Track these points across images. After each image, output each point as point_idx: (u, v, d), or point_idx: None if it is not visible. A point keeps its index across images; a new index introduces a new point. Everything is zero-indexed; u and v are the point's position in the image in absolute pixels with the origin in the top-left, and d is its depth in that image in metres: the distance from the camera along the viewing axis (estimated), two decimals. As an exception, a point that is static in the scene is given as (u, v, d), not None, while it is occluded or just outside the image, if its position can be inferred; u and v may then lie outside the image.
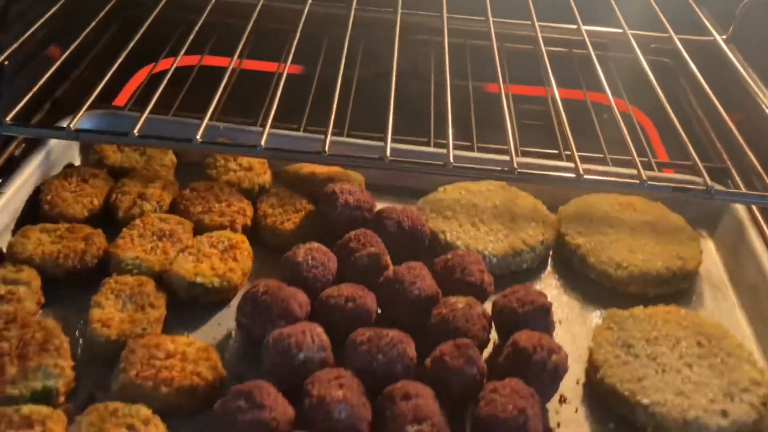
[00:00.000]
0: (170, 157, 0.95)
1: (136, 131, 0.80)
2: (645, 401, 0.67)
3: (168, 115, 1.01)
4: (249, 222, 0.86)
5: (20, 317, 0.71)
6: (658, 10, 1.12)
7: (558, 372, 0.68)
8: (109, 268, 0.78)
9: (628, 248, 0.85)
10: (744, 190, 0.96)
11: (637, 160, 0.82)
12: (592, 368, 0.72)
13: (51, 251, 0.77)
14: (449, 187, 0.93)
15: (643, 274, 0.82)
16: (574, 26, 1.08)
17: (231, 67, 0.92)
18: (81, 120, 0.87)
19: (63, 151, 0.94)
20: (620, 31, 1.08)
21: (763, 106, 0.96)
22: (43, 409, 0.62)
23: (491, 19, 1.05)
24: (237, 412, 0.61)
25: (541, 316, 0.72)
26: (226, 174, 0.92)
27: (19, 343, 0.67)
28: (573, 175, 0.81)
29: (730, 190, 0.96)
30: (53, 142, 0.93)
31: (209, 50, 1.15)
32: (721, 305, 0.84)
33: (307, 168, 0.94)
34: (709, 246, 0.92)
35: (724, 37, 1.14)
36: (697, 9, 1.15)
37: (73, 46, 0.93)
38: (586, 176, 0.80)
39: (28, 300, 0.73)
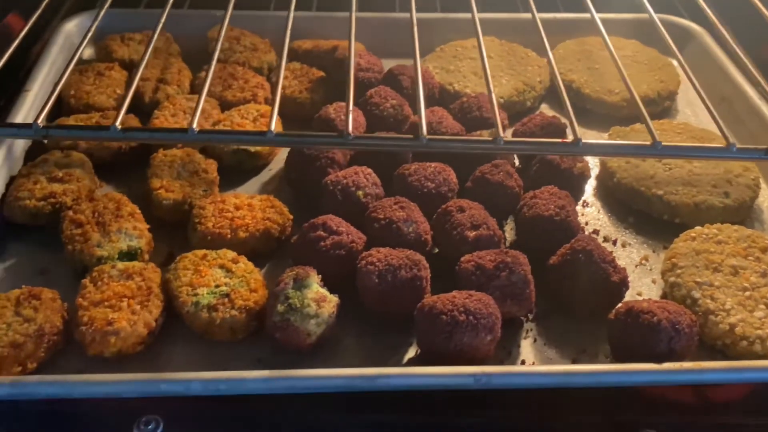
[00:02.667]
0: (175, 47, 0.98)
1: (118, 123, 0.66)
2: (659, 192, 0.77)
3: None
4: (269, 94, 0.91)
5: (85, 193, 0.75)
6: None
7: (584, 176, 0.78)
8: (150, 148, 0.82)
9: (616, 78, 0.94)
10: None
11: None
12: (607, 174, 0.82)
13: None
14: (446, 46, 1.00)
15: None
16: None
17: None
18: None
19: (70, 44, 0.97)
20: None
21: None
22: (137, 263, 0.68)
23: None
24: (318, 240, 0.68)
25: (558, 134, 0.81)
26: (233, 56, 0.96)
27: (94, 214, 0.72)
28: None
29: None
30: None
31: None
32: (700, 115, 0.95)
33: (308, 43, 0.99)
34: (680, 70, 1.02)
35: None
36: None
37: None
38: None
39: (86, 179, 0.77)
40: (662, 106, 0.94)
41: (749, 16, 0.94)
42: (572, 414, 0.68)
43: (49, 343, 0.62)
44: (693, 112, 0.96)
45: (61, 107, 0.88)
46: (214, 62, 0.76)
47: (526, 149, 0.76)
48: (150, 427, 0.66)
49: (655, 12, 0.92)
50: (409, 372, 0.61)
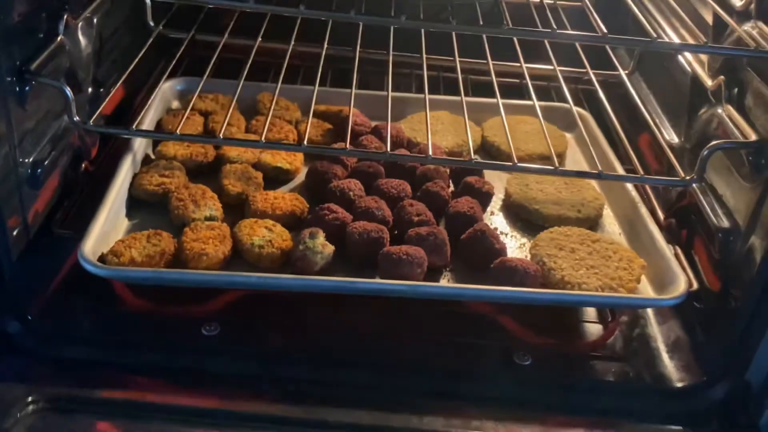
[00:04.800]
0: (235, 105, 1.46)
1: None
2: (537, 207, 1.24)
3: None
4: (296, 136, 1.39)
5: (183, 184, 1.22)
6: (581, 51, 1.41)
7: (489, 193, 1.25)
8: (221, 162, 1.29)
9: (523, 141, 1.42)
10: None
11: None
12: (507, 194, 1.29)
13: (185, 153, 1.28)
14: (414, 115, 1.48)
15: (533, 153, 1.39)
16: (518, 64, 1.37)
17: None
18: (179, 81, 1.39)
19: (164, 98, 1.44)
20: (551, 67, 1.36)
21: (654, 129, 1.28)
22: (216, 222, 1.14)
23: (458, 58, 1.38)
24: (324, 215, 1.13)
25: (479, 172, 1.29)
26: (274, 111, 1.44)
27: (189, 195, 1.17)
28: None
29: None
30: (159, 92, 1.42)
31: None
32: (581, 165, 1.42)
33: (323, 106, 1.47)
34: (569, 139, 1.49)
35: (627, 72, 1.44)
36: (609, 50, 1.43)
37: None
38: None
39: (183, 177, 1.23)
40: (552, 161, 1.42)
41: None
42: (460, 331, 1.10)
43: (167, 259, 1.07)
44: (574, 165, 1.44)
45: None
46: (269, 116, 1.23)
47: (442, 162, 1.24)
48: (211, 327, 1.10)
49: (559, 101, 1.42)
50: (374, 281, 1.06)
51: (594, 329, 1.16)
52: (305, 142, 1.13)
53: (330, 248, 1.08)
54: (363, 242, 1.09)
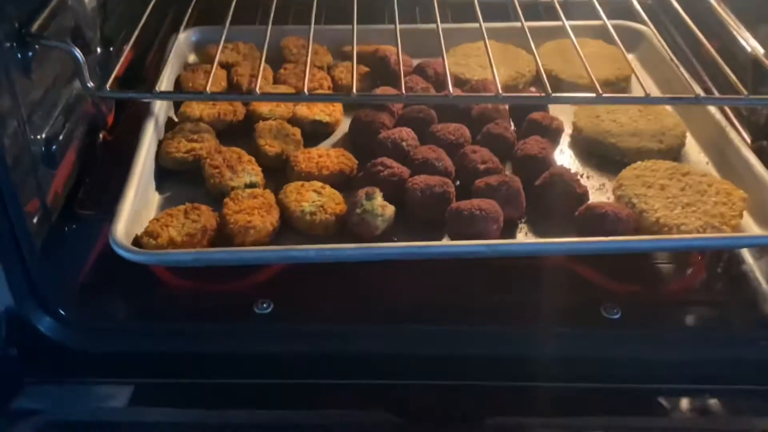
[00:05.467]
0: (258, 53, 1.31)
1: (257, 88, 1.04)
2: (613, 141, 1.10)
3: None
4: (330, 84, 1.24)
5: (214, 148, 1.08)
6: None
7: (559, 130, 1.11)
8: (251, 121, 1.15)
9: (583, 67, 1.27)
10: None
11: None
12: (576, 130, 1.15)
13: (212, 113, 1.14)
14: (457, 48, 1.33)
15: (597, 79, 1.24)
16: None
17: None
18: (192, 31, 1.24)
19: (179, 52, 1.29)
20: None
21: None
22: (258, 189, 1.01)
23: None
24: (378, 172, 1.00)
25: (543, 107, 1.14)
26: (301, 58, 1.29)
27: (224, 161, 1.04)
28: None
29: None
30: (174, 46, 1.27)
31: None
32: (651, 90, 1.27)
33: (357, 48, 1.32)
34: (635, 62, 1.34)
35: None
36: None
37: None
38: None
39: (213, 141, 1.10)
40: (620, 87, 1.27)
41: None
42: (541, 290, 0.98)
43: (209, 236, 0.94)
44: (640, 92, 1.29)
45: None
46: (306, 64, 1.07)
47: (515, 100, 1.09)
48: (265, 305, 0.98)
49: (618, 18, 1.25)
50: (446, 244, 0.93)
51: (675, 271, 1.04)
52: (354, 91, 0.98)
53: (390, 209, 0.96)
54: (426, 199, 0.97)
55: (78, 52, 0.90)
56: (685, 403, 0.92)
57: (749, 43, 1.14)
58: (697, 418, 0.91)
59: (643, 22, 1.35)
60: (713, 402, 0.92)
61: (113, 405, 0.93)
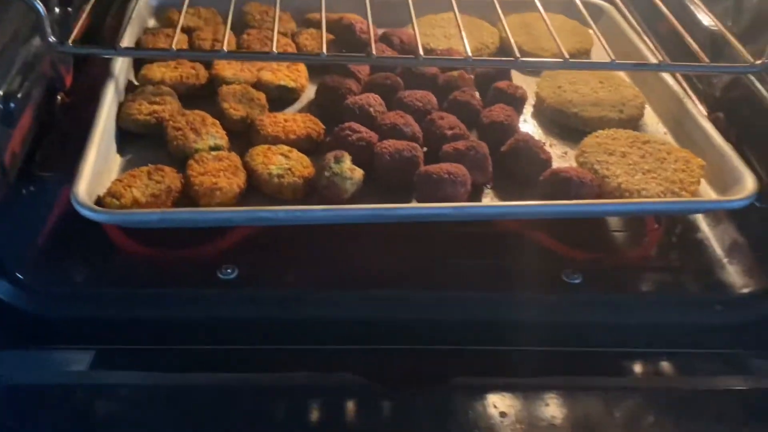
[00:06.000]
0: (219, 18, 1.29)
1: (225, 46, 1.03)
2: (576, 110, 1.12)
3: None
4: (295, 50, 1.23)
5: (177, 111, 1.06)
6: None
7: (523, 99, 1.12)
8: (215, 85, 1.13)
9: (547, 39, 1.28)
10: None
11: None
12: (539, 100, 1.16)
13: (173, 76, 1.12)
14: (422, 18, 1.33)
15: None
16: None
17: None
18: None
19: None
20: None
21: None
22: (224, 152, 0.99)
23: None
24: (347, 136, 1.00)
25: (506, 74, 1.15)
26: (264, 24, 1.28)
27: (187, 123, 1.02)
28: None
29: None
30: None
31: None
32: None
33: (317, 15, 1.31)
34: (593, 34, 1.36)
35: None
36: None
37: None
38: None
39: (176, 103, 1.07)
40: (581, 59, 1.29)
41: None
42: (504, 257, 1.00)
43: (174, 197, 0.92)
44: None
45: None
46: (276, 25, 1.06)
47: (485, 63, 1.10)
48: (229, 270, 0.98)
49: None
50: (416, 206, 0.94)
51: (634, 238, 1.07)
52: (324, 50, 0.98)
53: (359, 172, 0.95)
54: (395, 163, 0.97)
55: (40, 5, 0.87)
56: (642, 364, 0.94)
57: (708, 16, 1.17)
58: (653, 379, 0.93)
59: (604, -2, 1.38)
60: (668, 364, 0.94)
61: (72, 369, 0.91)
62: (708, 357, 0.95)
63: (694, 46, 1.04)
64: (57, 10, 1.09)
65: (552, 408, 0.85)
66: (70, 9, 1.13)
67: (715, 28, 1.13)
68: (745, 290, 1.00)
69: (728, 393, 0.91)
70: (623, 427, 0.87)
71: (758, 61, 0.98)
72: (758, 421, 0.88)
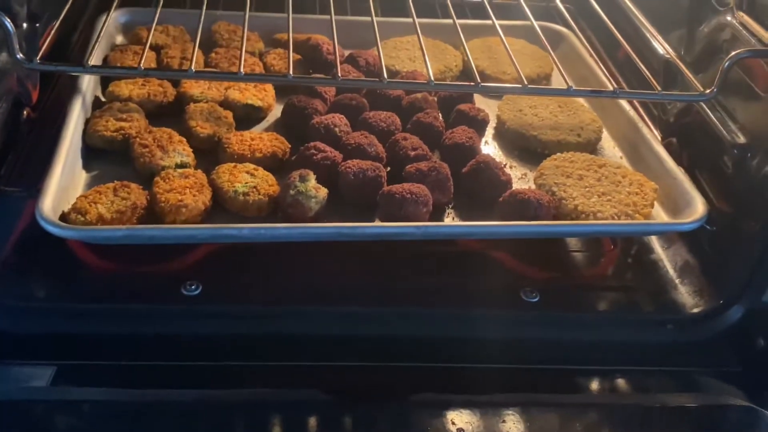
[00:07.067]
0: (188, 36, 1.30)
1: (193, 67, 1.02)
2: (535, 133, 1.15)
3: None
4: (262, 70, 1.25)
5: (144, 128, 1.07)
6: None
7: (485, 121, 1.15)
8: (183, 103, 1.14)
9: (508, 64, 1.31)
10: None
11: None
12: (500, 123, 1.19)
13: (141, 93, 1.13)
14: (388, 41, 1.36)
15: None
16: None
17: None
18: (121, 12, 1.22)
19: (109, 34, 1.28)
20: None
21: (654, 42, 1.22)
22: (190, 169, 1.01)
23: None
24: (312, 155, 1.02)
25: (469, 96, 1.18)
26: (233, 43, 1.29)
27: (154, 140, 1.03)
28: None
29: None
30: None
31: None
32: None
33: (285, 35, 1.33)
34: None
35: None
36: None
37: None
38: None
39: (143, 120, 1.09)
40: (540, 84, 1.33)
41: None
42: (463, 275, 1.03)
43: (139, 214, 0.93)
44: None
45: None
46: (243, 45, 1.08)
47: (447, 88, 1.13)
48: (193, 287, 0.98)
49: (538, 20, 1.31)
50: (379, 225, 0.96)
51: (590, 259, 1.10)
52: (290, 72, 1.00)
53: (323, 191, 0.97)
54: (359, 182, 0.99)
55: (8, 21, 0.87)
56: (597, 382, 0.97)
57: (662, 46, 1.21)
58: (607, 396, 0.96)
59: (565, 25, 1.42)
60: (623, 381, 0.97)
61: (33, 385, 0.90)
62: (661, 374, 0.98)
63: (647, 73, 1.08)
64: (25, 25, 1.09)
65: (509, 424, 0.87)
66: (38, 25, 1.14)
67: (669, 57, 1.17)
68: (696, 310, 1.03)
69: (680, 410, 0.94)
70: (579, 443, 0.89)
71: (707, 90, 1.02)
72: (708, 437, 0.91)
